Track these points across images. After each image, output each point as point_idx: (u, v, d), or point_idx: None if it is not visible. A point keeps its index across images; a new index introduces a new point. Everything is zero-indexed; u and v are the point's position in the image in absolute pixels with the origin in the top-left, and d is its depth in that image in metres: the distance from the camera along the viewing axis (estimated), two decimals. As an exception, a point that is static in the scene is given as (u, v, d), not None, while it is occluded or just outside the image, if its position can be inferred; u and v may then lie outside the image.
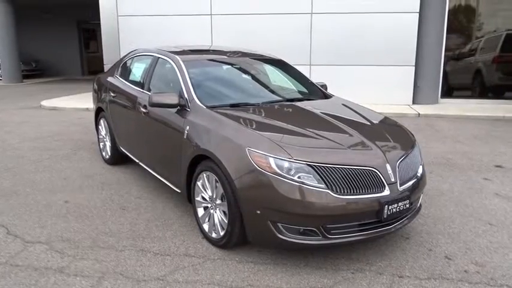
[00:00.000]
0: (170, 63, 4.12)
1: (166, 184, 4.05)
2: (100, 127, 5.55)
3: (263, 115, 3.43)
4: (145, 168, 4.53)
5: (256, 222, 2.89)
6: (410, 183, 3.10)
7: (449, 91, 10.58)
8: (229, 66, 4.30)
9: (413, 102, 9.85)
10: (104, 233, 3.52)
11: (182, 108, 3.67)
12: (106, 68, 10.56)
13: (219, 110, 3.47)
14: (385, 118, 3.79)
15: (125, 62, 5.19)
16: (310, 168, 2.78)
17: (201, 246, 3.31)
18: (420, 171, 3.29)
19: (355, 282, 2.87)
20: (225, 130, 3.16)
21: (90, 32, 21.96)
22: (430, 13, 9.51)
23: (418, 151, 3.43)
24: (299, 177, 2.77)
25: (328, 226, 2.81)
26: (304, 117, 3.52)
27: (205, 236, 3.39)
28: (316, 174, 2.77)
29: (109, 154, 5.33)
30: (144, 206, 4.09)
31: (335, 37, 9.74)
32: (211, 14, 10.17)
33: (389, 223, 3.00)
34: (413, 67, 9.67)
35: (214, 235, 3.28)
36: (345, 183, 2.81)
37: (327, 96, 4.31)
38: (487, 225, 3.76)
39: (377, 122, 3.62)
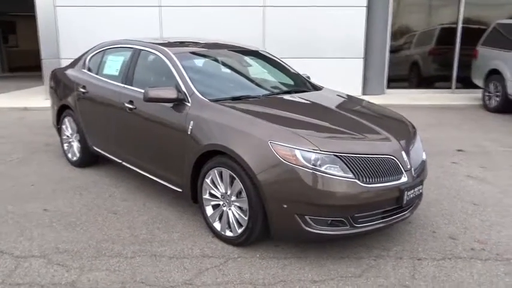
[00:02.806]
0: (158, 56, 3.89)
1: (150, 184, 3.84)
2: (64, 127, 5.11)
3: (271, 107, 3.35)
4: (121, 169, 4.26)
5: (282, 216, 2.82)
6: (420, 169, 3.21)
7: (392, 82, 11.13)
8: (220, 59, 4.16)
9: (363, 93, 10.25)
10: (104, 241, 3.25)
11: (180, 102, 3.48)
12: (44, 63, 9.75)
13: (225, 103, 3.34)
14: (384, 108, 3.87)
15: (93, 55, 4.80)
16: (337, 158, 2.77)
17: (216, 246, 3.17)
18: (424, 157, 3.42)
19: (380, 268, 2.91)
20: (240, 124, 3.05)
21: (8, 24, 20.14)
22: (376, 7, 9.93)
23: (419, 139, 3.55)
24: (327, 168, 2.75)
25: (355, 215, 2.82)
26: (311, 108, 3.50)
27: (217, 235, 3.25)
28: (343, 164, 2.77)
29: (77, 155, 4.92)
30: (135, 209, 3.83)
31: (287, 31, 9.82)
32: (160, 6, 9.76)
33: (406, 209, 3.09)
34: (363, 59, 10.06)
35: (229, 233, 3.15)
36: (369, 172, 2.83)
37: (317, 87, 4.32)
38: (472, 205, 4.01)
39: (380, 112, 3.69)
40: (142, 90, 3.80)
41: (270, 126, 2.95)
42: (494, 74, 8.62)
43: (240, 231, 3.06)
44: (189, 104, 3.42)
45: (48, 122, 7.40)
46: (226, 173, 3.07)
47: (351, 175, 2.77)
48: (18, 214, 3.72)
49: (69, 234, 3.35)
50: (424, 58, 11.21)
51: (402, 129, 3.36)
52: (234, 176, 3.00)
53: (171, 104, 3.53)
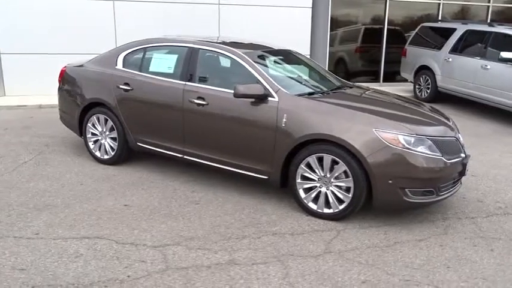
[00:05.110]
0: (227, 56, 4.17)
1: (204, 175, 4.31)
2: (90, 124, 5.01)
3: (349, 101, 3.90)
4: (159, 164, 4.68)
5: (387, 191, 3.43)
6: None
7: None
8: (275, 58, 4.55)
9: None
10: (216, 226, 3.52)
11: (264, 98, 3.84)
12: (-16, 58, 8.85)
13: (315, 97, 3.82)
14: (419, 101, 4.65)
15: (129, 53, 4.80)
16: (428, 140, 3.47)
17: (318, 222, 3.65)
18: (459, 139, 4.29)
19: (453, 226, 3.69)
20: (341, 115, 3.56)
21: None
22: (319, 8, 10.95)
23: (453, 124, 4.41)
24: (422, 149, 3.42)
25: (440, 186, 3.54)
26: (377, 101, 4.12)
27: (314, 213, 3.72)
28: (433, 145, 3.47)
29: (111, 153, 4.90)
30: (212, 198, 4.08)
31: (243, 29, 10.28)
32: (113, 0, 9.49)
33: (459, 181, 3.90)
34: (309, 56, 10.98)
35: (327, 210, 3.66)
36: (447, 150, 3.58)
37: (347, 83, 4.96)
38: (473, 177, 5.02)
39: (421, 104, 4.45)
40: (216, 88, 4.10)
41: (372, 117, 3.53)
42: (423, 69, 10.17)
43: (341, 207, 3.59)
44: (275, 99, 3.81)
45: (19, 122, 6.94)
46: (328, 158, 3.56)
47: (439, 153, 3.48)
48: (102, 211, 3.74)
49: (177, 224, 3.54)
50: (350, 55, 12.59)
51: (446, 116, 4.17)
52: (337, 159, 3.51)
53: (250, 100, 3.88)
